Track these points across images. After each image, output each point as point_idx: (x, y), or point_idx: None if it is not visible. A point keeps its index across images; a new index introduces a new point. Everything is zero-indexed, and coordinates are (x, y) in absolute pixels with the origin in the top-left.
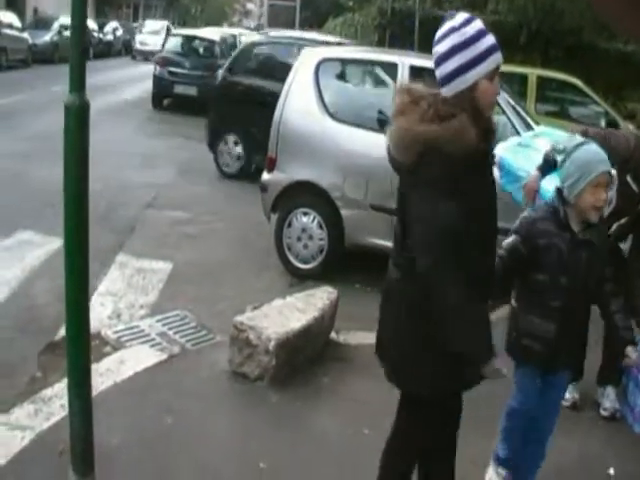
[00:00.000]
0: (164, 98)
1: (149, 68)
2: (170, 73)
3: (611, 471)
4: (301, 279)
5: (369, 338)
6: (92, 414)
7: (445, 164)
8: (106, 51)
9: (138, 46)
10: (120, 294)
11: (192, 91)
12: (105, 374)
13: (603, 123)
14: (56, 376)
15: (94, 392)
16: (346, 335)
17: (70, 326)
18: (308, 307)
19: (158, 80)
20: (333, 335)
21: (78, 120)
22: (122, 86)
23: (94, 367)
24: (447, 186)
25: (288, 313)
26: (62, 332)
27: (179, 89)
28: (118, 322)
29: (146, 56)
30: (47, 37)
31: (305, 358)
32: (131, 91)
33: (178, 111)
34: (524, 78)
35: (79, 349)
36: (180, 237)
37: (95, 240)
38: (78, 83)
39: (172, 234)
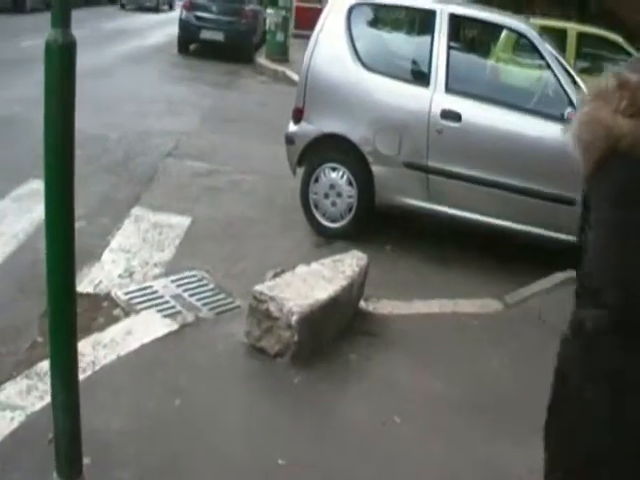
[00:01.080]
0: (190, 43)
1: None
2: (197, 18)
3: None
4: (328, 239)
5: (400, 308)
6: (79, 408)
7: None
8: None
9: None
10: (134, 250)
11: (219, 36)
12: (109, 346)
13: None
14: None
15: (95, 367)
16: (376, 304)
17: (52, 303)
18: (335, 275)
19: (184, 24)
20: (362, 304)
21: (61, 60)
22: (146, 32)
23: (97, 337)
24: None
25: (313, 282)
26: None
27: (206, 34)
28: (130, 282)
29: (141, 4)
30: None
31: (331, 332)
32: (156, 36)
33: (205, 57)
34: (563, 33)
35: (64, 333)
36: (201, 190)
37: (111, 191)
38: (61, 18)
39: (192, 186)
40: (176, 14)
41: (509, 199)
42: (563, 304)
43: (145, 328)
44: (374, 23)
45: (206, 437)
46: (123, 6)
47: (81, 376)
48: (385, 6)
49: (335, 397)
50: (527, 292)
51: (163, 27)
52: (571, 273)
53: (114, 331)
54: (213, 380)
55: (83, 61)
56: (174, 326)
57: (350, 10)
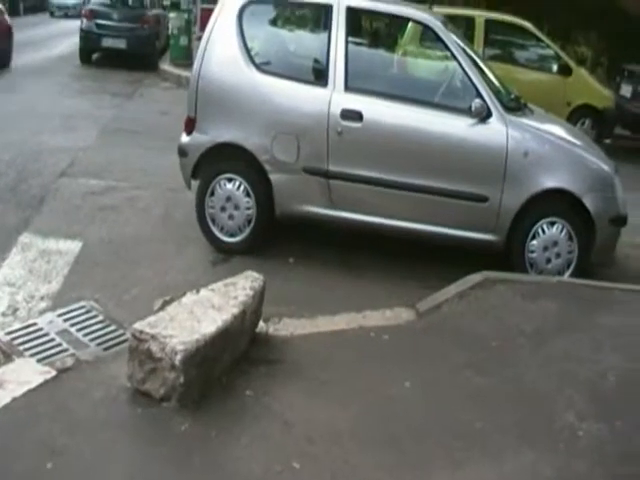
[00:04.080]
0: (92, 53)
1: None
2: (97, 26)
3: None
4: (227, 255)
5: (303, 327)
6: None
7: None
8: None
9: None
10: (19, 284)
11: (121, 44)
12: None
13: (555, 67)
14: None
15: None
16: (277, 325)
17: None
18: (226, 302)
19: (85, 34)
20: (262, 326)
21: None
22: (49, 42)
23: None
24: None
25: (200, 313)
26: None
27: (107, 42)
28: (14, 320)
29: (66, 12)
30: None
31: (223, 367)
32: (59, 47)
33: (107, 66)
34: (471, 21)
35: None
36: (94, 210)
37: None
38: None
39: (86, 207)
40: None
41: (418, 200)
42: (477, 308)
43: (18, 378)
44: (268, 22)
45: None
46: (52, 14)
47: None
48: (279, 3)
49: (226, 445)
50: (440, 297)
51: (72, 36)
52: (487, 274)
53: None
54: (92, 435)
55: None
56: (51, 373)
57: (242, 9)
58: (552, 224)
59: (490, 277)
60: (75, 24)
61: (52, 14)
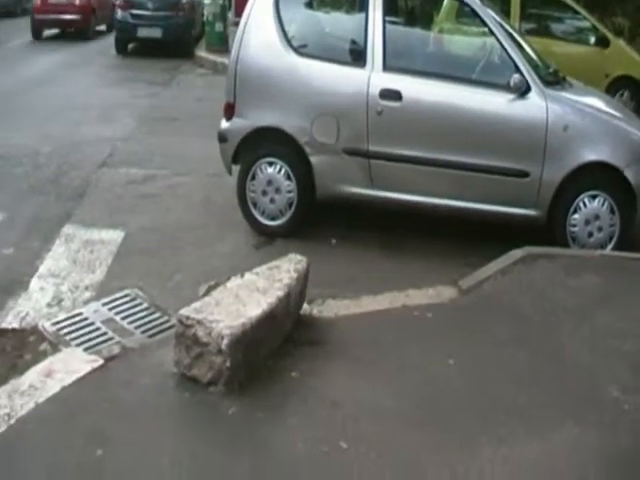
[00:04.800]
0: (128, 42)
1: None
2: (133, 16)
3: None
4: (269, 238)
5: (347, 307)
6: None
7: None
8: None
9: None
10: (63, 274)
11: (157, 33)
12: (27, 393)
13: (593, 39)
14: None
15: (11, 420)
16: (320, 306)
17: None
18: (271, 285)
19: (120, 24)
20: (306, 308)
21: None
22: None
23: (14, 384)
24: None
25: (246, 296)
26: None
27: (143, 32)
28: (59, 310)
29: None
30: None
31: (269, 350)
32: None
33: (144, 55)
34: None
35: None
36: (136, 199)
37: (41, 211)
38: None
39: (127, 196)
40: None
41: (458, 177)
42: (519, 284)
43: (66, 367)
44: (305, 5)
45: None
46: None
47: None
48: None
49: (274, 427)
50: (482, 275)
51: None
52: (529, 250)
53: (33, 374)
54: (139, 421)
55: (22, 70)
56: (98, 361)
57: None
58: (593, 197)
59: (532, 252)
60: None
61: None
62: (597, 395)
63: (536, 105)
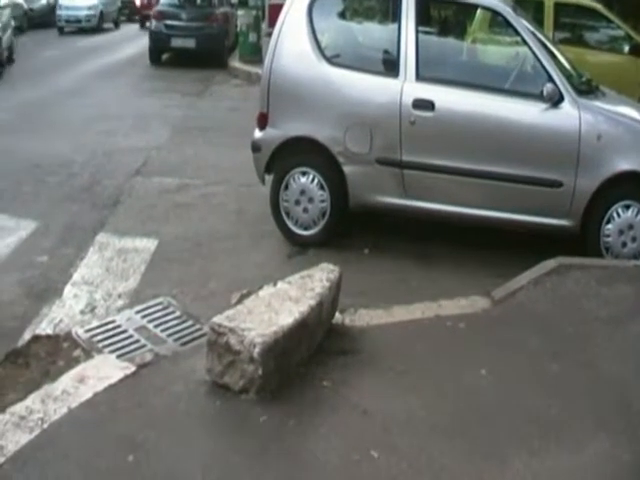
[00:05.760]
0: (162, 53)
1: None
2: (167, 26)
3: None
4: (302, 248)
5: (379, 317)
6: None
7: None
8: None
9: (62, 12)
10: (97, 282)
11: (190, 43)
12: (60, 398)
13: (626, 48)
14: (15, 394)
15: (44, 424)
16: (352, 316)
17: None
18: (303, 294)
19: (154, 34)
20: (338, 317)
21: None
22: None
23: (48, 389)
24: None
25: (278, 305)
26: (27, 335)
27: (177, 42)
28: (92, 317)
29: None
30: (44, 0)
31: (300, 359)
32: (127, 50)
33: (177, 65)
34: (540, 4)
35: None
36: (169, 208)
37: (76, 220)
38: None
39: (160, 205)
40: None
41: (491, 187)
42: (552, 295)
43: (99, 374)
44: (337, 15)
45: None
46: (61, 30)
47: (28, 437)
48: None
49: (305, 435)
50: (515, 284)
51: (136, 40)
52: (561, 260)
53: (66, 380)
54: (171, 428)
55: (57, 80)
56: (130, 368)
57: (311, 4)
58: (627, 207)
59: (565, 263)
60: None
61: (61, 30)
62: (630, 407)
63: (569, 114)
